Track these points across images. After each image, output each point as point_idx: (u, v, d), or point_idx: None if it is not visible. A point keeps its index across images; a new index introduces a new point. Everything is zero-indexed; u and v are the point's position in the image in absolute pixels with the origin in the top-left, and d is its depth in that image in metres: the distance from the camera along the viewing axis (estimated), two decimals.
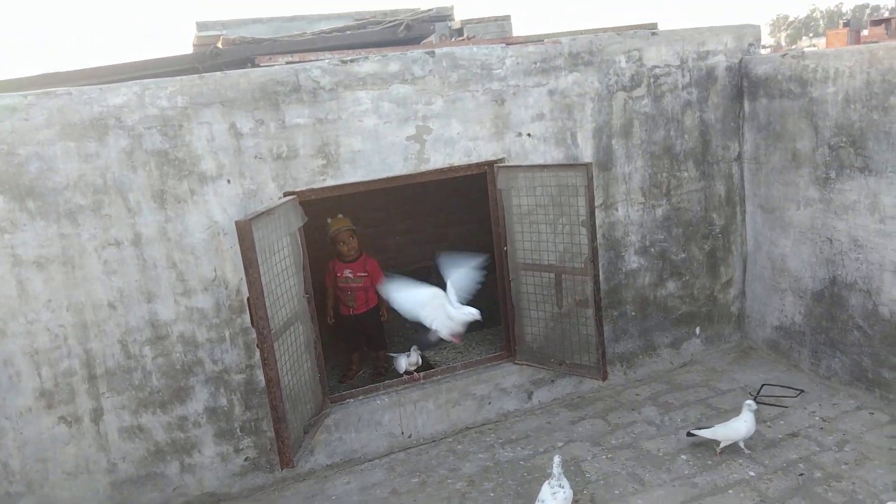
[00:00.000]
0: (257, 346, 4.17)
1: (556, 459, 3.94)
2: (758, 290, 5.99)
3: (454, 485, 4.62)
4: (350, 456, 5.05)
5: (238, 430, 4.78)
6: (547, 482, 3.93)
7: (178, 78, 4.35)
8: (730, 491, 4.22)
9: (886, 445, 4.47)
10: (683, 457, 4.60)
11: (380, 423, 5.10)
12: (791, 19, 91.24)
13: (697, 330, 6.00)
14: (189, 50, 6.89)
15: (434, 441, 5.16)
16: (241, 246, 3.95)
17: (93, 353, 4.41)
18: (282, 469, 4.36)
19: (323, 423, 4.86)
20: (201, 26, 7.40)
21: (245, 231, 3.93)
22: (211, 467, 4.75)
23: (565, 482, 3.91)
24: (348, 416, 5.03)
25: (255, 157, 4.52)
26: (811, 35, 74.42)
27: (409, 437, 5.17)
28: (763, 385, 5.39)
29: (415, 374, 5.34)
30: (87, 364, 4.40)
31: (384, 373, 6.03)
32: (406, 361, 5.40)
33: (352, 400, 5.12)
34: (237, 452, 4.80)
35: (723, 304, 6.07)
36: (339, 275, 5.94)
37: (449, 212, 8.01)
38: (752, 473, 4.36)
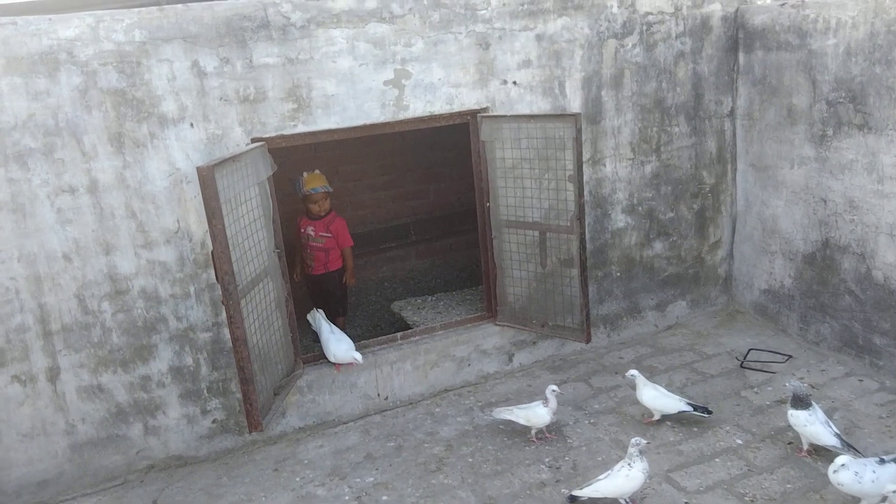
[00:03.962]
0: (223, 303, 3.91)
1: (633, 441, 3.64)
2: (746, 252, 5.82)
3: (431, 449, 4.44)
4: (323, 418, 4.84)
5: (205, 390, 4.54)
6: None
7: (135, 10, 3.99)
8: (716, 459, 4.08)
9: (876, 413, 4.36)
10: (668, 423, 4.45)
11: (355, 384, 4.89)
12: None
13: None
14: None
15: (411, 403, 4.97)
16: (203, 195, 3.67)
17: (47, 308, 4.12)
18: (250, 432, 4.16)
19: (295, 384, 4.64)
20: None
21: (207, 179, 3.63)
22: (177, 429, 4.52)
23: (638, 463, 3.60)
24: (322, 377, 4.81)
25: (221, 98, 4.20)
26: None
27: (386, 399, 4.97)
28: (750, 350, 5.25)
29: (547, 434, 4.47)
30: (41, 319, 4.12)
31: None
32: (548, 411, 4.33)
33: (326, 361, 4.90)
34: (204, 414, 4.57)
35: (710, 265, 5.89)
36: (301, 230, 5.68)
37: (428, 167, 7.72)
38: (739, 441, 4.23)
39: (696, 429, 4.39)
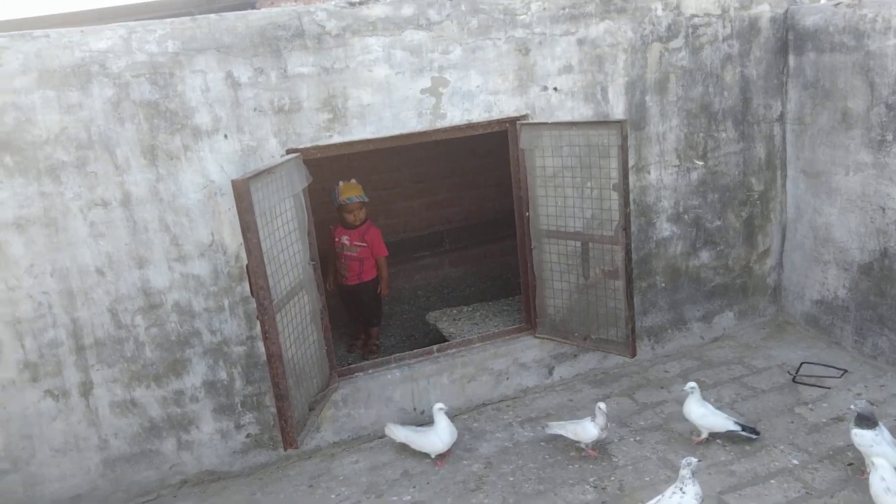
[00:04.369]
0: (257, 318, 3.81)
1: (685, 462, 3.44)
2: (797, 261, 5.57)
3: (470, 466, 4.30)
4: (359, 433, 4.73)
5: (239, 405, 4.46)
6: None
7: (167, 20, 3.92)
8: (772, 481, 3.87)
9: None
10: (718, 441, 4.24)
11: (391, 398, 4.76)
12: None
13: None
14: None
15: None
16: (238, 208, 3.57)
17: (80, 323, 4.07)
18: (285, 450, 4.04)
19: (330, 398, 4.53)
20: None
21: (242, 191, 3.53)
22: (210, 444, 4.44)
23: (690, 488, 3.39)
24: (357, 390, 4.70)
25: (255, 109, 4.11)
26: None
27: (422, 413, 4.84)
28: (802, 363, 5.00)
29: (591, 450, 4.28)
30: (74, 334, 4.07)
31: (375, 351, 5.70)
32: (595, 426, 4.14)
33: (361, 374, 4.79)
34: (238, 429, 4.48)
35: (759, 275, 5.65)
36: (336, 240, 5.59)
37: (463, 174, 7.57)
38: (794, 461, 4.01)
39: (748, 447, 4.18)
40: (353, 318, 6.00)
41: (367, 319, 5.90)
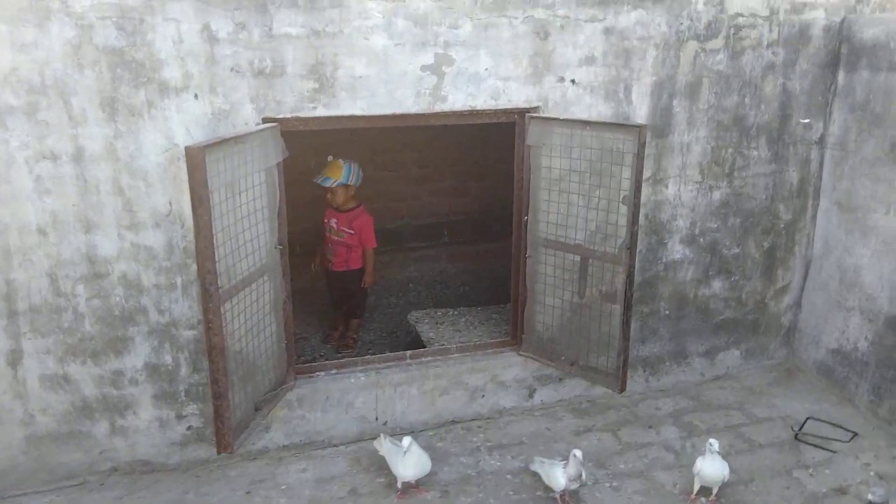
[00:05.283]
0: (202, 305, 3.39)
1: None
2: (817, 303, 5.05)
3: (425, 494, 3.87)
4: (312, 438, 4.31)
5: (182, 393, 4.05)
6: None
7: None
8: None
9: None
10: (703, 500, 3.79)
11: (352, 404, 4.34)
12: None
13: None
14: None
15: (412, 432, 4.38)
16: (190, 179, 3.15)
17: (15, 285, 3.66)
18: (218, 453, 3.64)
19: (282, 398, 4.12)
20: None
21: (197, 161, 3.11)
22: (147, 432, 4.05)
23: None
24: (315, 391, 4.28)
25: (232, 69, 3.65)
26: None
27: (384, 424, 4.41)
28: (807, 419, 4.52)
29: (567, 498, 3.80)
30: (7, 297, 3.67)
31: (351, 345, 5.31)
32: (564, 475, 3.67)
33: (322, 374, 4.36)
34: (179, 419, 4.08)
35: (773, 313, 5.14)
36: (325, 220, 5.17)
37: (472, 163, 7.09)
38: None
39: None
40: (335, 305, 5.60)
41: (349, 310, 5.49)
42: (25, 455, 3.89)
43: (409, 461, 3.74)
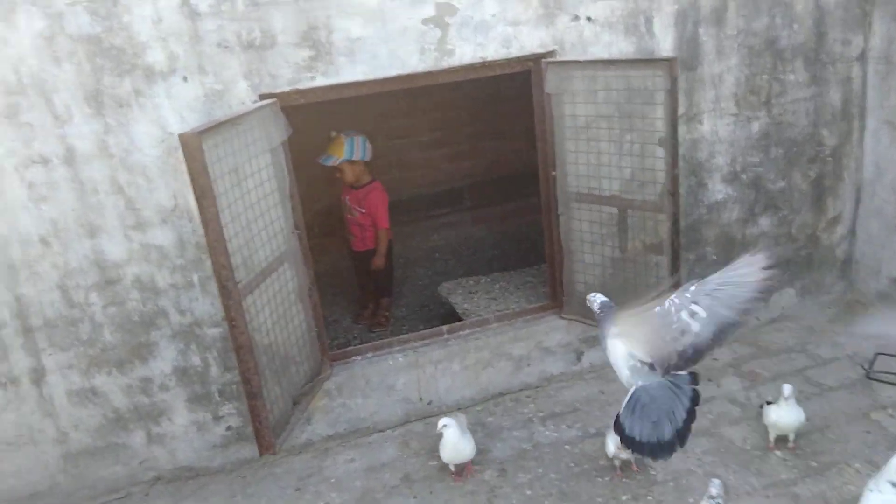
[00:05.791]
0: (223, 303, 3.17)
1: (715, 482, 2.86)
2: (874, 230, 4.71)
3: (481, 474, 3.67)
4: (356, 425, 4.12)
5: (216, 394, 3.87)
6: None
7: None
8: None
9: None
10: (778, 453, 3.53)
11: (393, 386, 4.13)
12: None
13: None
14: None
15: (460, 410, 4.18)
16: (189, 169, 2.90)
17: (25, 301, 3.48)
18: (260, 455, 3.46)
19: (319, 389, 3.92)
20: None
21: (193, 148, 2.85)
22: (185, 438, 3.88)
23: None
24: (354, 377, 4.08)
25: (219, 45, 3.38)
26: None
27: (429, 403, 4.21)
28: (877, 354, 4.21)
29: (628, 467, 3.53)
30: (19, 314, 3.49)
31: (384, 323, 5.10)
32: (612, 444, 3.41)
33: (358, 358, 4.15)
34: (216, 420, 3.91)
35: (826, 246, 4.81)
36: (342, 197, 4.93)
37: (488, 121, 6.76)
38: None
39: (814, 463, 3.45)
40: (360, 284, 5.39)
41: (376, 289, 5.28)
42: (64, 473, 3.75)
43: (445, 445, 3.52)
